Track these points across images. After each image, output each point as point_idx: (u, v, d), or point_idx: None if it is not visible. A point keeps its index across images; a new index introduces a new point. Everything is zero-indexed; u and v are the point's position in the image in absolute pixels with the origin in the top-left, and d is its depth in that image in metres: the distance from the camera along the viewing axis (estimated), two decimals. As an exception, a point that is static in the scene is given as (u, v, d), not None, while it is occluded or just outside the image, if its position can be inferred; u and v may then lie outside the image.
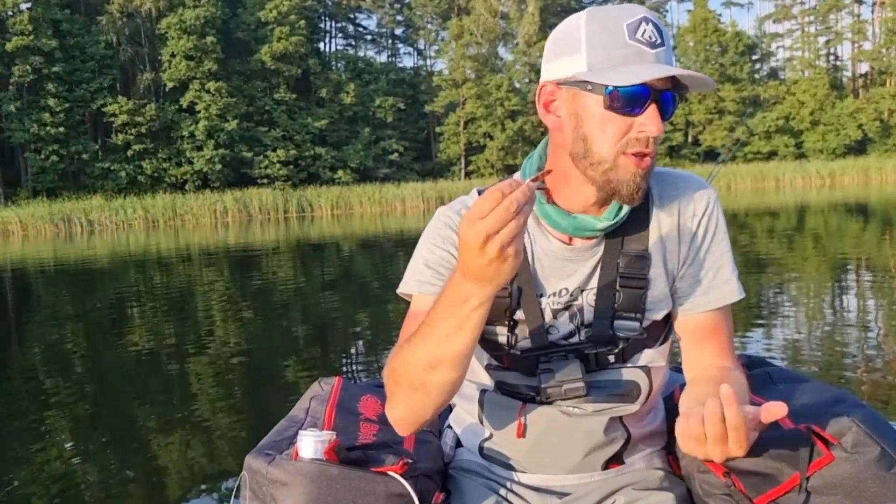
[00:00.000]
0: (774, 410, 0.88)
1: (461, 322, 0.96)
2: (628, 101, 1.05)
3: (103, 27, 39.62)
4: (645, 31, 1.04)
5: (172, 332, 6.32)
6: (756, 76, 50.98)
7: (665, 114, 1.07)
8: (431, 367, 1.02)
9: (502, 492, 1.26)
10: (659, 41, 1.04)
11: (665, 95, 1.06)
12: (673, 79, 1.06)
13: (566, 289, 1.20)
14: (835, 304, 6.01)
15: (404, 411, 1.10)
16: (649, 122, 1.05)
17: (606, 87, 1.04)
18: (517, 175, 1.27)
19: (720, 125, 46.11)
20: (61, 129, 36.23)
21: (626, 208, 1.16)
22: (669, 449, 1.34)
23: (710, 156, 44.14)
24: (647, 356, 1.23)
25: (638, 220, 1.20)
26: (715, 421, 0.90)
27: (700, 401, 1.06)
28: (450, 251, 1.21)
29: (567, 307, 1.20)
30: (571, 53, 1.08)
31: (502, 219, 0.85)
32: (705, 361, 1.21)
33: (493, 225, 0.85)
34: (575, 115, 1.10)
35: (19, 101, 35.96)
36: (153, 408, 4.05)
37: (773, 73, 53.97)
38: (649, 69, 1.03)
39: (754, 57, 51.72)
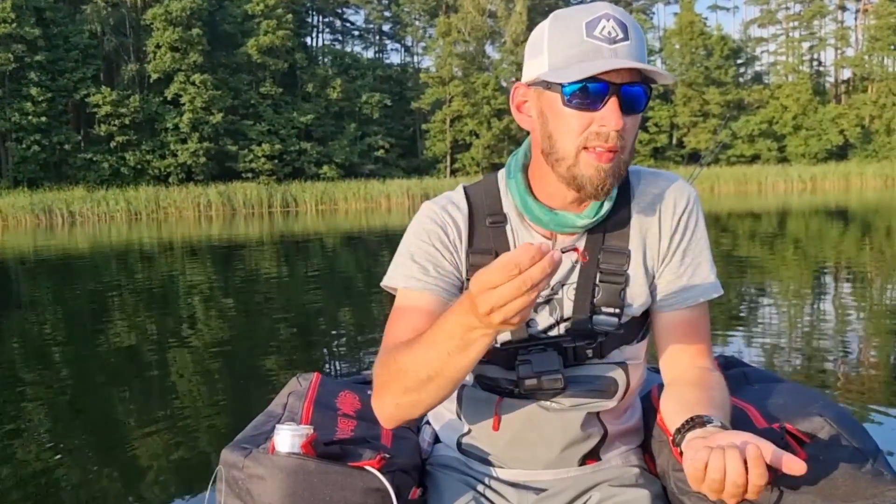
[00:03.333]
0: (794, 467, 0.88)
1: (465, 345, 0.95)
2: (585, 96, 1.06)
3: (88, 16, 39.17)
4: (604, 27, 1.05)
5: (152, 326, 6.27)
6: (740, 80, 51.38)
7: (630, 108, 1.08)
8: (429, 379, 1.02)
9: (479, 487, 1.27)
10: (620, 36, 1.05)
11: (628, 89, 1.06)
12: (641, 72, 1.07)
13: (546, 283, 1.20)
14: (811, 307, 6.09)
15: (392, 409, 1.11)
16: (608, 116, 1.06)
17: (562, 84, 1.06)
18: (502, 172, 1.28)
19: (704, 128, 46.44)
20: (43, 118, 35.79)
21: (606, 206, 1.18)
22: (646, 447, 1.35)
23: (695, 158, 44.42)
24: (625, 352, 1.24)
25: (619, 217, 1.21)
26: (741, 483, 0.88)
27: (687, 405, 1.07)
28: (436, 246, 1.22)
29: (547, 301, 1.21)
30: (537, 56, 1.12)
31: (510, 296, 0.82)
32: (684, 360, 1.22)
33: (499, 300, 0.83)
34: (541, 114, 1.13)
35: (0, 90, 35.48)
36: (130, 401, 4.01)
37: (758, 78, 54.42)
38: (596, 64, 1.04)
39: (739, 61, 52.11)
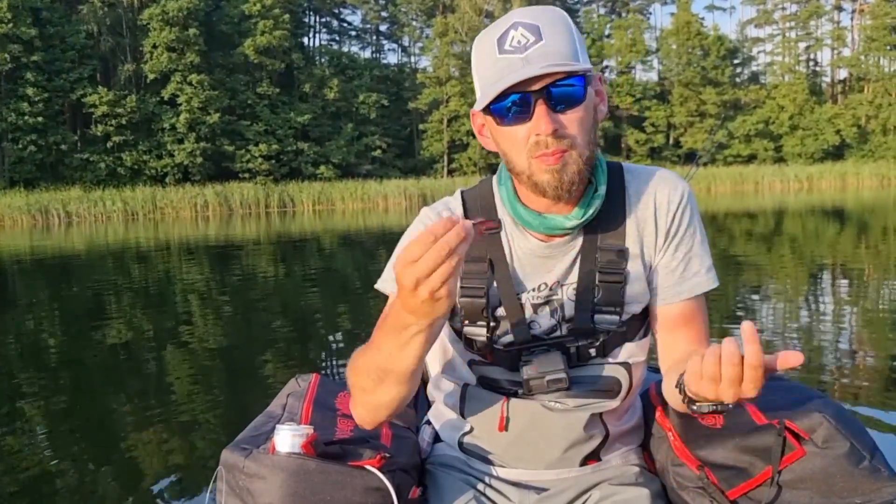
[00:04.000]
0: (791, 359, 0.85)
1: (402, 345, 0.99)
2: (509, 112, 1.09)
3: (84, 17, 39.08)
4: (513, 38, 1.06)
5: (150, 326, 6.26)
6: (737, 80, 51.46)
7: (564, 105, 1.08)
8: (379, 379, 1.05)
9: (480, 486, 1.27)
10: (531, 41, 1.06)
11: (553, 90, 1.06)
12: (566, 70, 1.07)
13: (545, 283, 1.21)
14: (809, 306, 6.10)
15: (360, 411, 1.14)
16: (537, 124, 1.07)
17: (490, 107, 1.09)
18: (495, 178, 1.29)
19: (701, 128, 46.52)
20: (40, 118, 35.70)
21: (594, 205, 1.18)
22: (645, 446, 1.36)
23: (691, 158, 44.49)
24: (628, 350, 1.24)
25: (614, 215, 1.22)
26: (735, 361, 0.87)
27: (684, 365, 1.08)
28: None
29: (547, 302, 1.22)
30: (475, 82, 1.14)
31: (433, 264, 0.85)
32: (680, 348, 1.23)
33: (423, 270, 0.86)
34: (493, 136, 1.16)
35: (-4, 90, 35.43)
36: (129, 402, 4.01)
37: (754, 78, 54.51)
38: (504, 81, 1.05)
39: (736, 61, 52.20)
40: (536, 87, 1.05)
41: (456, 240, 0.85)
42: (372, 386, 1.07)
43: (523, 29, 1.06)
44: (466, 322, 1.22)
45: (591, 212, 1.18)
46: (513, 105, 1.07)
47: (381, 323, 1.03)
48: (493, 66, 1.07)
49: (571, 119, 1.08)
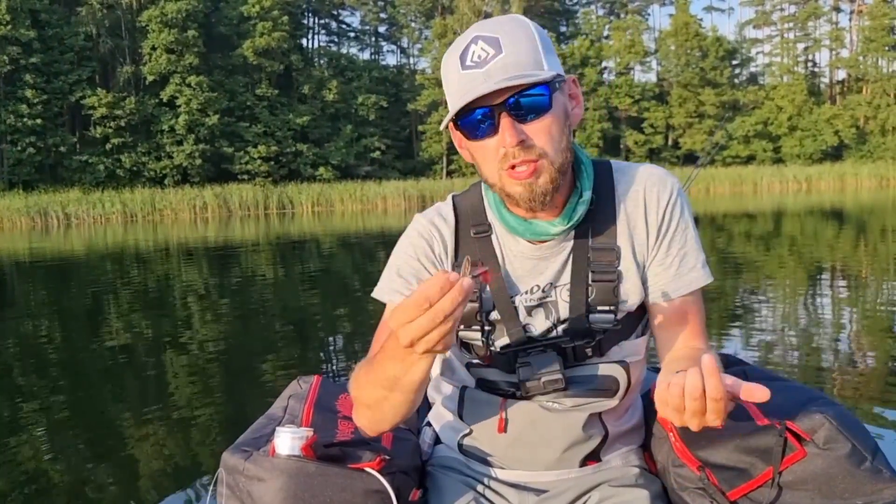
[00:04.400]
0: (756, 393, 0.86)
1: (406, 368, 0.99)
2: (475, 127, 1.09)
3: (83, 18, 39.10)
4: (474, 53, 1.07)
5: (150, 329, 6.26)
6: (736, 81, 51.52)
7: (530, 114, 1.08)
8: (384, 398, 1.06)
9: (480, 488, 1.28)
10: (490, 54, 1.06)
11: (515, 101, 1.06)
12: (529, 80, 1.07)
13: (538, 285, 1.22)
14: (809, 306, 6.10)
15: (364, 421, 1.15)
16: (503, 136, 1.07)
17: (456, 124, 1.10)
18: (483, 183, 1.28)
19: (700, 129, 46.55)
20: (38, 120, 35.70)
21: (580, 210, 1.18)
22: (646, 446, 1.36)
23: (690, 159, 44.53)
24: (625, 349, 1.24)
25: (604, 214, 1.22)
26: (696, 395, 0.88)
27: (676, 364, 1.08)
28: (421, 262, 1.24)
29: (541, 304, 1.22)
30: (447, 98, 1.14)
31: (428, 327, 0.85)
32: (678, 344, 1.23)
33: (417, 333, 0.86)
34: (466, 150, 1.17)
35: (-5, 92, 35.42)
36: (129, 404, 4.00)
37: (753, 79, 54.59)
38: (460, 101, 1.06)
39: (734, 62, 52.27)
40: (499, 100, 1.06)
41: (451, 306, 0.84)
42: (376, 402, 1.08)
43: (483, 42, 1.06)
44: (462, 327, 1.23)
45: (576, 217, 1.18)
46: (479, 120, 1.08)
47: (384, 344, 1.03)
48: (457, 83, 1.08)
49: (538, 128, 1.08)
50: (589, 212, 1.19)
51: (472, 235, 1.25)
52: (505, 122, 1.06)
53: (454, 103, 1.08)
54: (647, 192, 1.22)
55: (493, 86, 1.03)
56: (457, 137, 1.19)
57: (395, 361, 0.99)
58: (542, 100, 1.07)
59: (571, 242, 1.21)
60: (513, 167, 1.09)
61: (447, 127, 1.15)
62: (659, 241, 1.22)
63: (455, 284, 0.85)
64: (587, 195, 1.18)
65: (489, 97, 1.05)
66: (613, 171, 1.25)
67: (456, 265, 1.23)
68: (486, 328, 1.21)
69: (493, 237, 1.24)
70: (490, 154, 1.10)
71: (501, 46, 1.05)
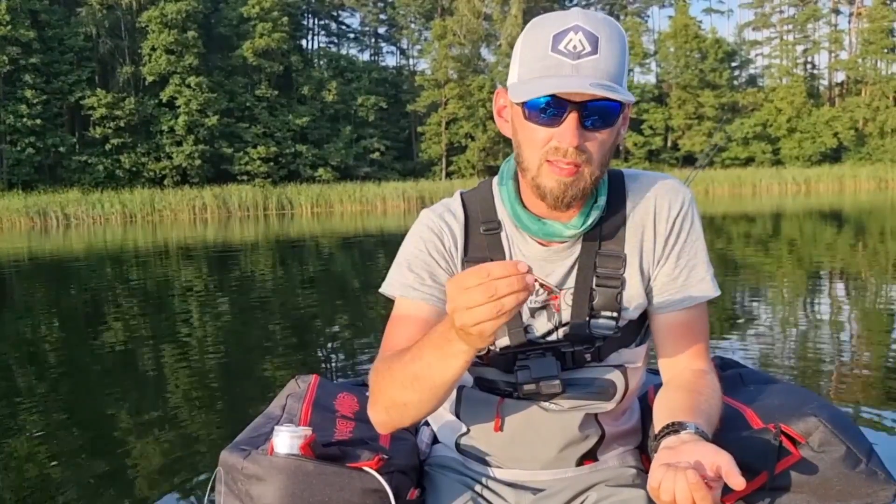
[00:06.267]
0: (734, 482, 0.89)
1: (446, 356, 0.97)
2: (542, 113, 1.07)
3: (83, 19, 39.08)
4: (570, 41, 1.04)
5: (149, 329, 6.26)
6: (735, 83, 51.52)
7: (594, 123, 1.07)
8: (413, 389, 1.04)
9: (477, 487, 1.28)
10: (586, 50, 1.03)
11: (591, 106, 1.05)
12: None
13: (543, 288, 1.22)
14: (806, 309, 6.11)
15: (383, 416, 1.13)
16: (563, 134, 1.06)
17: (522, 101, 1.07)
18: (496, 179, 1.29)
19: (699, 130, 46.56)
20: (38, 121, 35.67)
21: (594, 215, 1.18)
22: (643, 447, 1.36)
23: (689, 160, 44.54)
24: (624, 356, 1.25)
25: (614, 220, 1.22)
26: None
27: (671, 410, 1.09)
28: (432, 255, 1.23)
29: (544, 306, 1.22)
30: (513, 64, 1.12)
31: (487, 315, 0.84)
32: (681, 362, 1.23)
33: (476, 319, 0.85)
34: (512, 123, 1.14)
35: (-5, 92, 35.39)
36: (128, 403, 4.01)
37: (752, 80, 54.59)
38: (550, 83, 1.03)
39: (733, 64, 52.26)
40: (577, 98, 1.04)
41: (506, 289, 0.83)
42: (403, 395, 1.06)
43: (583, 35, 1.03)
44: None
45: (589, 222, 1.18)
46: (546, 106, 1.05)
47: (428, 336, 1.01)
48: (542, 61, 1.05)
49: (596, 139, 1.08)
50: (600, 218, 1.20)
51: (481, 232, 1.24)
52: (573, 120, 1.05)
53: (532, 81, 1.06)
54: (657, 201, 1.22)
55: (584, 86, 1.01)
56: (503, 105, 1.18)
57: (434, 348, 0.98)
58: (612, 115, 1.07)
59: (579, 247, 1.21)
60: (557, 162, 1.08)
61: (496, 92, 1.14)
62: (666, 251, 1.22)
63: (521, 273, 0.84)
64: (602, 201, 1.19)
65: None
66: (625, 179, 1.25)
67: (466, 261, 1.23)
68: None
69: (503, 234, 1.24)
70: (540, 140, 1.09)
71: (599, 47, 1.03)
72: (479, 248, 1.24)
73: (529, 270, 0.84)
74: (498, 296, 0.83)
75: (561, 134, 1.06)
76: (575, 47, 1.03)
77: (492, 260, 1.19)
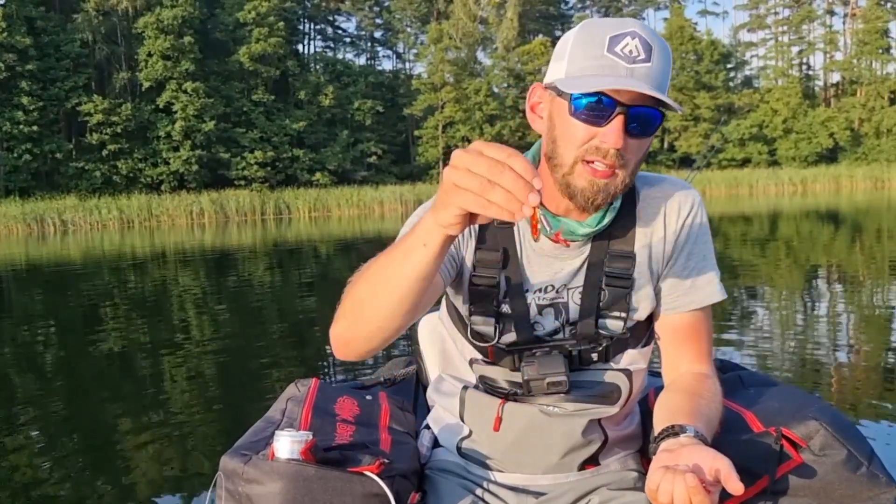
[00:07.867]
0: (732, 487, 0.90)
1: (410, 249, 0.94)
2: (591, 110, 1.07)
3: (79, 25, 39.05)
4: (627, 45, 1.05)
5: (147, 334, 6.25)
6: (730, 84, 51.63)
7: (637, 129, 1.08)
8: (373, 291, 1.01)
9: (479, 491, 1.28)
10: (641, 57, 1.05)
11: (637, 111, 1.06)
12: (654, 97, 1.06)
13: (552, 285, 1.22)
14: (805, 310, 6.11)
15: (338, 328, 1.09)
16: (609, 133, 1.06)
17: (571, 94, 1.07)
18: None
19: (695, 132, 46.62)
20: (34, 127, 35.61)
21: (609, 215, 1.19)
22: (643, 450, 1.36)
23: (686, 162, 44.60)
24: (630, 357, 1.25)
25: (624, 221, 1.23)
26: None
27: (670, 413, 1.09)
28: None
29: (552, 304, 1.22)
30: (559, 60, 1.12)
31: (474, 187, 0.81)
32: (683, 365, 1.23)
33: (464, 183, 0.82)
34: (550, 118, 1.14)
35: (-9, 99, 35.34)
36: (127, 409, 4.00)
37: (748, 82, 54.68)
38: (606, 80, 1.04)
39: (729, 65, 52.37)
40: (626, 101, 1.05)
41: (510, 183, 0.79)
42: (361, 288, 1.02)
43: (639, 42, 1.05)
44: (473, 309, 1.23)
45: (604, 222, 1.19)
46: (595, 104, 1.06)
47: (402, 236, 0.99)
48: (596, 60, 1.06)
49: (636, 145, 1.09)
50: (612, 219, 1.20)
51: (495, 224, 1.24)
52: (619, 123, 1.05)
53: (586, 77, 1.06)
54: (668, 203, 1.23)
55: (643, 87, 1.02)
56: (538, 101, 1.17)
57: (401, 243, 0.95)
58: (655, 123, 1.09)
59: (589, 246, 1.22)
60: (592, 161, 1.09)
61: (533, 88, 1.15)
62: (675, 253, 1.23)
63: (533, 180, 0.79)
64: (617, 203, 1.20)
65: (618, 91, 1.04)
66: (637, 179, 1.25)
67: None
68: (497, 325, 1.22)
69: (515, 228, 1.24)
70: (580, 138, 1.09)
71: (651, 56, 1.05)
72: (492, 237, 1.24)
73: (539, 194, 0.80)
74: (497, 182, 0.79)
75: (605, 134, 1.07)
76: (631, 52, 1.05)
77: (504, 252, 1.20)
